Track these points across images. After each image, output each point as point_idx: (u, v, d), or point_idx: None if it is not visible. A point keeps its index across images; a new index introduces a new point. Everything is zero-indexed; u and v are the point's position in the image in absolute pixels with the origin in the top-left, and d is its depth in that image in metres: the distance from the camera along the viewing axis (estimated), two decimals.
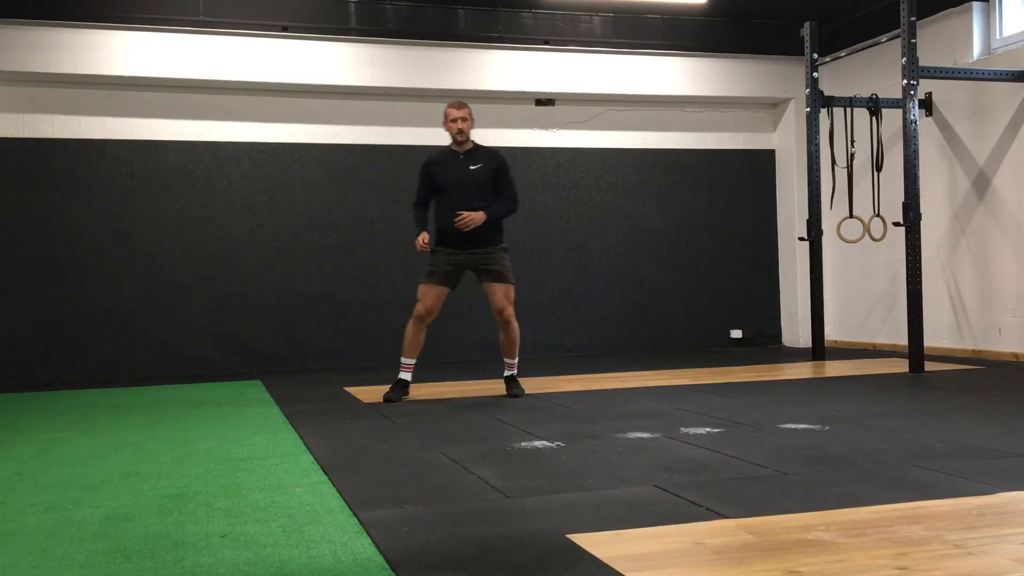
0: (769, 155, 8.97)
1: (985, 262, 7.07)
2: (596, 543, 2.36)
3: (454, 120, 5.35)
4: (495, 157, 5.45)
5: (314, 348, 7.77)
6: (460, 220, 5.20)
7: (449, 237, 5.31)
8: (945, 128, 7.37)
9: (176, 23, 7.23)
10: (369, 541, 2.47)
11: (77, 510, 2.93)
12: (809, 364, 7.13)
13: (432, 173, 5.41)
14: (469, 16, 7.90)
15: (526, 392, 5.51)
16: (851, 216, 7.22)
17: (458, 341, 8.09)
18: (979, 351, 7.08)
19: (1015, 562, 2.13)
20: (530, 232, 8.26)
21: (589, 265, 8.39)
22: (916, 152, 6.32)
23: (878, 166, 7.21)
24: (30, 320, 7.19)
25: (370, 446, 3.94)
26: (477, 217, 5.22)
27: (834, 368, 6.76)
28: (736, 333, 8.74)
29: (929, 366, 6.35)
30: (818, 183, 7.40)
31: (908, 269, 6.35)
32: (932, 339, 7.05)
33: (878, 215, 7.11)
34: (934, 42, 7.30)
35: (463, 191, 5.30)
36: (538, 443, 3.86)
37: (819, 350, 7.41)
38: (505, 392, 5.49)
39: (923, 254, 6.65)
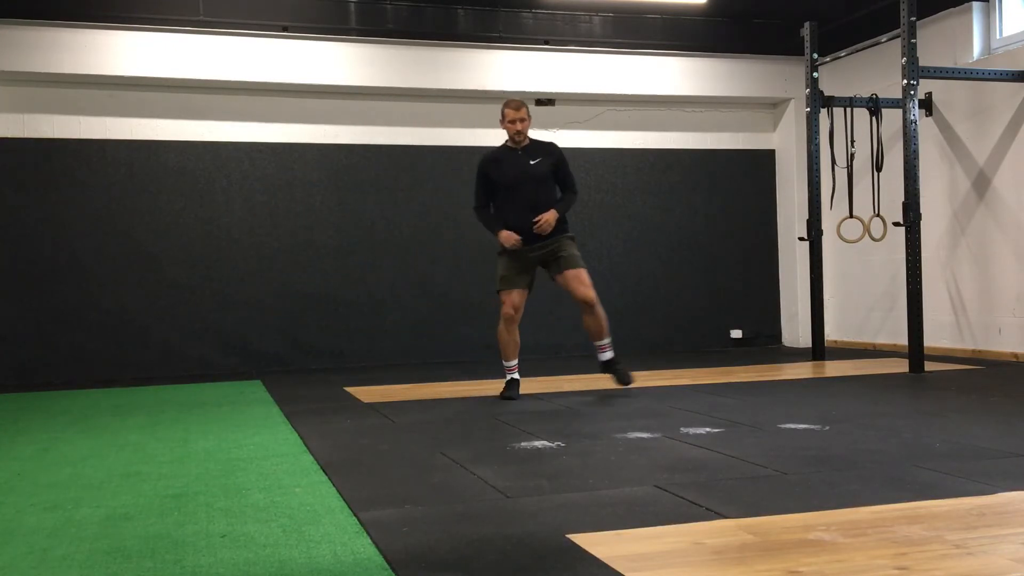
0: (769, 155, 8.97)
1: (985, 262, 7.07)
2: (596, 543, 2.36)
3: (512, 121, 5.30)
4: (553, 150, 5.41)
5: (314, 348, 7.78)
6: (539, 226, 5.19)
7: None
8: (945, 128, 7.37)
9: (176, 23, 7.23)
10: (369, 541, 2.47)
11: (77, 510, 2.93)
12: (809, 364, 7.13)
13: (490, 172, 5.36)
14: (469, 16, 7.90)
15: (522, 394, 5.48)
16: (851, 216, 7.22)
17: (458, 341, 8.09)
18: (979, 351, 7.08)
19: (1015, 562, 2.13)
20: None
21: (589, 265, 8.33)
22: (916, 152, 6.32)
23: (878, 166, 7.21)
24: (30, 320, 7.19)
25: (370, 446, 3.94)
26: (551, 218, 5.21)
27: (834, 368, 6.75)
28: (736, 333, 8.74)
29: (929, 366, 6.35)
30: (818, 183, 7.40)
31: (908, 269, 6.35)
32: (932, 339, 7.05)
33: (878, 215, 7.11)
34: (934, 42, 7.30)
35: (526, 188, 5.28)
36: (538, 443, 3.86)
37: (819, 350, 7.41)
38: (612, 380, 5.36)
39: (923, 254, 6.64)
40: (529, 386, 5.68)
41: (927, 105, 7.40)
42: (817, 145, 7.39)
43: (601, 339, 5.41)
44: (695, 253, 8.72)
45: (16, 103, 7.21)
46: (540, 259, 5.39)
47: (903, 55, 6.29)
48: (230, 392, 6.18)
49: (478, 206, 5.47)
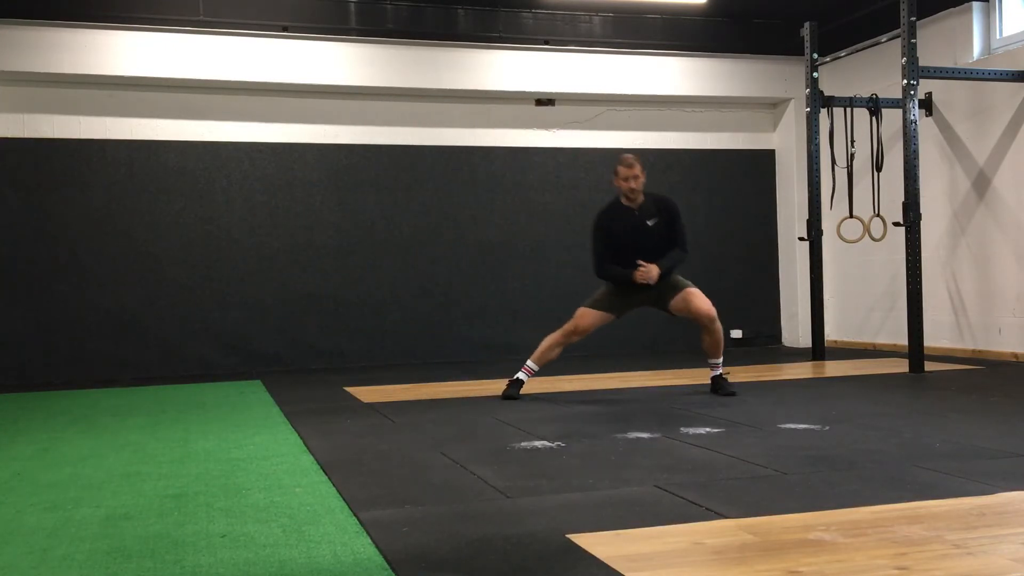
0: (769, 155, 8.97)
1: (985, 262, 7.07)
2: (596, 543, 2.36)
3: (626, 179, 5.23)
4: (667, 206, 5.32)
5: (314, 348, 7.78)
6: (641, 274, 5.11)
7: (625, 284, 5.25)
8: (945, 128, 7.37)
9: (176, 23, 7.23)
10: (369, 541, 2.47)
11: (77, 510, 2.93)
12: (809, 364, 7.13)
13: (610, 230, 5.30)
14: (469, 16, 7.90)
15: (522, 393, 5.48)
16: (851, 216, 7.22)
17: (458, 341, 8.09)
18: (979, 351, 7.08)
19: (1015, 562, 2.13)
20: (530, 232, 8.27)
21: (589, 265, 8.35)
22: (916, 152, 6.32)
23: (878, 166, 7.21)
24: (30, 320, 7.19)
25: (370, 446, 3.93)
26: (654, 273, 5.12)
27: (834, 368, 6.75)
28: (736, 333, 8.73)
29: (929, 366, 6.35)
30: (818, 183, 7.40)
31: (908, 269, 6.35)
32: (932, 339, 7.05)
33: (878, 215, 7.11)
34: (934, 42, 7.30)
35: (643, 248, 5.21)
36: (538, 443, 3.86)
37: (819, 350, 7.41)
38: (717, 392, 5.27)
39: (923, 254, 6.64)
40: (529, 386, 5.67)
41: (927, 105, 7.40)
42: (817, 145, 7.39)
43: (716, 358, 5.31)
44: (695, 253, 8.61)
45: (16, 103, 7.21)
46: (647, 301, 5.32)
47: (903, 55, 6.29)
48: (230, 392, 6.18)
49: (600, 263, 5.34)
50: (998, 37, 7.07)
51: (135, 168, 7.45)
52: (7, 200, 7.18)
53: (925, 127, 7.33)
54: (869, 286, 8.21)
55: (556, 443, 3.84)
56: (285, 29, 7.49)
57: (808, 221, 7.44)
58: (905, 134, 6.32)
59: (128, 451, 4.00)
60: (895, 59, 6.72)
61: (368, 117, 7.98)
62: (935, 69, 6.67)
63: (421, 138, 8.10)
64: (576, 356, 7.96)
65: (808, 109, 7.33)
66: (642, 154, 8.57)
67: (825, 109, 7.31)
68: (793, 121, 8.68)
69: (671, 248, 5.28)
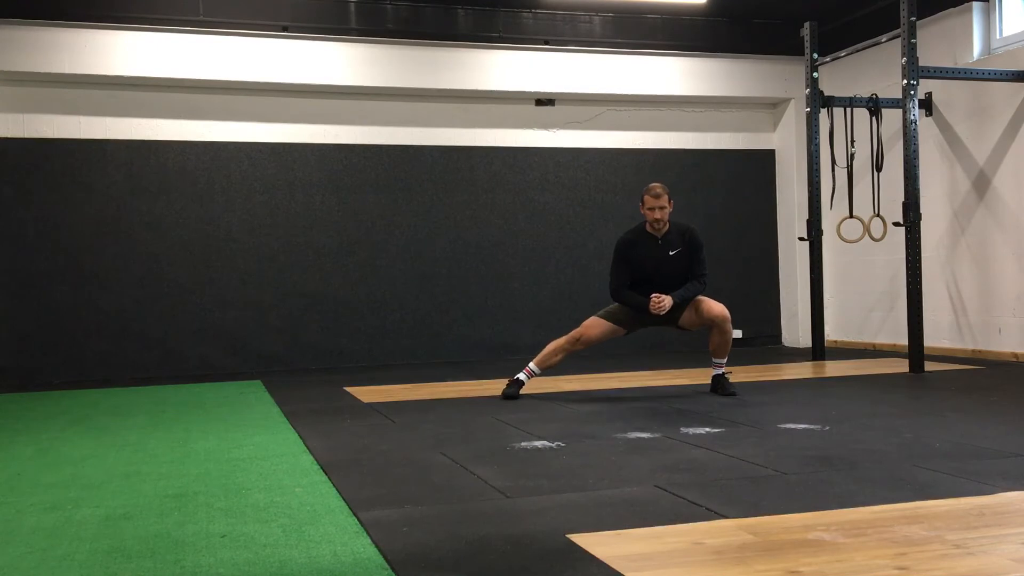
0: (769, 155, 8.98)
1: (985, 262, 7.07)
2: (596, 543, 2.36)
3: (652, 209, 5.20)
4: (691, 238, 5.29)
5: (314, 348, 7.78)
6: (655, 305, 5.10)
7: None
8: (945, 128, 7.37)
9: (176, 23, 7.23)
10: (369, 541, 2.47)
11: (77, 510, 2.93)
12: (809, 364, 7.13)
13: (631, 257, 5.28)
14: (469, 16, 7.90)
15: (522, 394, 5.48)
16: (851, 216, 7.22)
17: (458, 341, 8.09)
18: (979, 351, 7.08)
19: (1015, 562, 2.13)
20: (530, 232, 8.27)
21: (589, 265, 8.39)
22: (916, 152, 6.32)
23: (878, 166, 7.21)
24: (30, 320, 7.19)
25: (370, 446, 3.93)
26: (667, 303, 5.10)
27: (834, 368, 6.75)
28: (736, 333, 8.65)
29: (929, 366, 6.35)
30: (818, 183, 7.40)
31: (908, 269, 6.35)
32: (932, 339, 7.05)
33: (878, 215, 7.11)
34: (934, 42, 7.30)
35: (663, 278, 5.21)
36: (538, 443, 3.86)
37: (819, 350, 7.41)
38: (717, 392, 5.26)
39: (923, 254, 6.65)
40: (529, 386, 5.67)
41: (927, 105, 7.40)
42: (817, 145, 7.39)
43: (722, 358, 5.30)
44: None
45: (16, 103, 7.21)
46: (658, 322, 5.32)
47: (903, 55, 6.29)
48: (230, 392, 6.18)
49: (618, 287, 5.30)
50: (998, 37, 7.07)
51: (135, 168, 7.45)
52: (7, 200, 7.18)
53: (925, 127, 7.33)
54: (869, 286, 8.21)
55: (556, 443, 3.84)
56: (285, 29, 7.50)
57: (808, 221, 7.44)
58: (905, 134, 6.32)
59: (128, 451, 4.00)
60: (895, 59, 6.72)
61: (368, 117, 7.99)
62: (935, 69, 6.67)
63: (421, 138, 8.10)
64: (576, 356, 7.95)
65: (808, 109, 7.33)
66: (642, 154, 8.65)
67: (825, 109, 7.31)
68: (793, 121, 8.68)
69: (689, 277, 5.26)
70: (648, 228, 5.30)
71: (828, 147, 7.31)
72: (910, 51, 6.25)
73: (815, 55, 7.29)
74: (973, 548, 2.23)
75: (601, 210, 8.46)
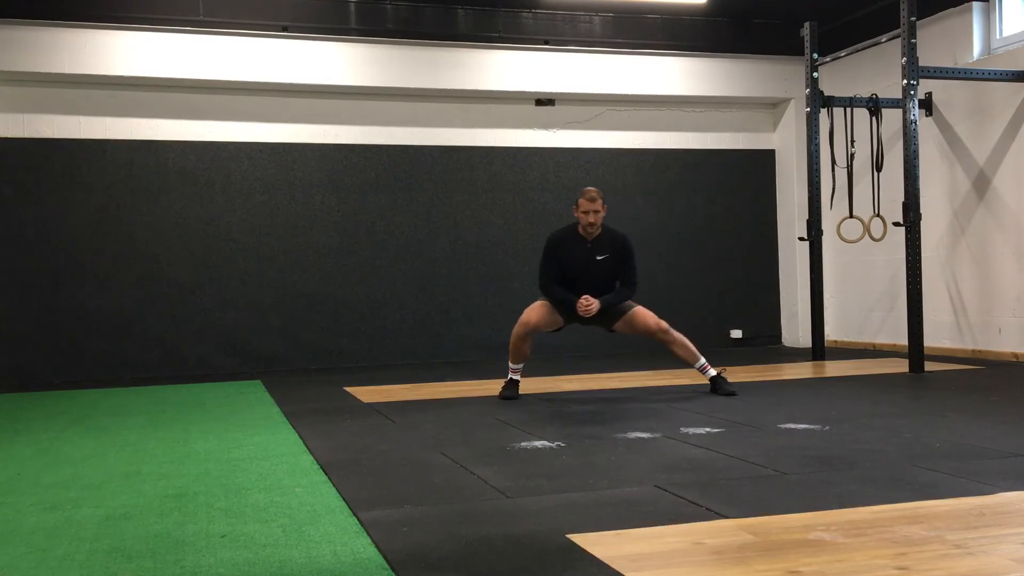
0: (769, 155, 8.98)
1: (985, 262, 7.07)
2: (596, 543, 2.36)
3: (586, 212, 5.23)
4: (621, 245, 5.33)
5: (314, 348, 7.78)
6: (582, 309, 5.14)
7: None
8: (945, 128, 7.37)
9: (176, 23, 7.23)
10: (369, 541, 2.47)
11: (77, 510, 2.93)
12: (809, 364, 7.12)
13: (559, 256, 5.33)
14: (469, 16, 7.90)
15: (521, 394, 5.48)
16: (851, 216, 7.22)
17: (458, 341, 8.09)
18: (979, 351, 7.08)
19: (1015, 562, 2.13)
20: (530, 232, 8.26)
21: None
22: (916, 152, 6.32)
23: (878, 166, 7.21)
24: (30, 320, 7.19)
25: (370, 446, 3.93)
26: (594, 307, 5.14)
27: (834, 368, 6.75)
28: (736, 333, 8.74)
29: (929, 366, 6.35)
30: (818, 183, 7.40)
31: (908, 269, 6.35)
32: (932, 339, 7.05)
33: (878, 215, 7.11)
34: (934, 42, 7.30)
35: (588, 280, 5.26)
36: (538, 443, 3.86)
37: (819, 350, 7.41)
38: (717, 391, 5.25)
39: (923, 254, 6.65)
40: (529, 386, 5.68)
41: (927, 105, 7.40)
42: (817, 145, 7.39)
43: (697, 362, 5.33)
44: (695, 253, 8.72)
45: (16, 103, 7.21)
46: (591, 322, 5.35)
47: (903, 55, 6.29)
48: (230, 392, 6.18)
49: (546, 283, 5.35)
50: (998, 37, 7.07)
51: (135, 168, 7.45)
52: (7, 200, 7.18)
53: (925, 127, 7.33)
54: (869, 286, 8.21)
55: (556, 443, 3.84)
56: (285, 29, 7.50)
57: (808, 221, 7.44)
58: (905, 134, 6.32)
59: (128, 451, 4.00)
60: (895, 59, 6.72)
61: (368, 117, 7.99)
62: (935, 69, 6.67)
63: (421, 138, 8.10)
64: (576, 356, 7.97)
65: (808, 109, 7.33)
66: (642, 154, 8.65)
67: (825, 109, 7.31)
68: (793, 121, 8.68)
69: (617, 282, 5.31)
70: (580, 230, 5.32)
71: (828, 147, 7.31)
72: (910, 51, 6.25)
73: (815, 55, 7.29)
74: (973, 548, 2.23)
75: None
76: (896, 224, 6.52)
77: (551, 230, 8.48)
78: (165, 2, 7.23)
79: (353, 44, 7.69)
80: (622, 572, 2.13)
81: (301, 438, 4.17)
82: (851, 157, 7.23)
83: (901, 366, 6.49)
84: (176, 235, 7.53)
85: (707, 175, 8.75)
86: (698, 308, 8.64)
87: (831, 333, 8.50)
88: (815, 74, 7.29)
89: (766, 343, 8.84)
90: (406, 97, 8.03)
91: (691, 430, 4.08)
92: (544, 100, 8.34)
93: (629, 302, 5.36)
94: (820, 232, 7.42)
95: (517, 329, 5.35)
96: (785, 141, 8.86)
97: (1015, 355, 6.79)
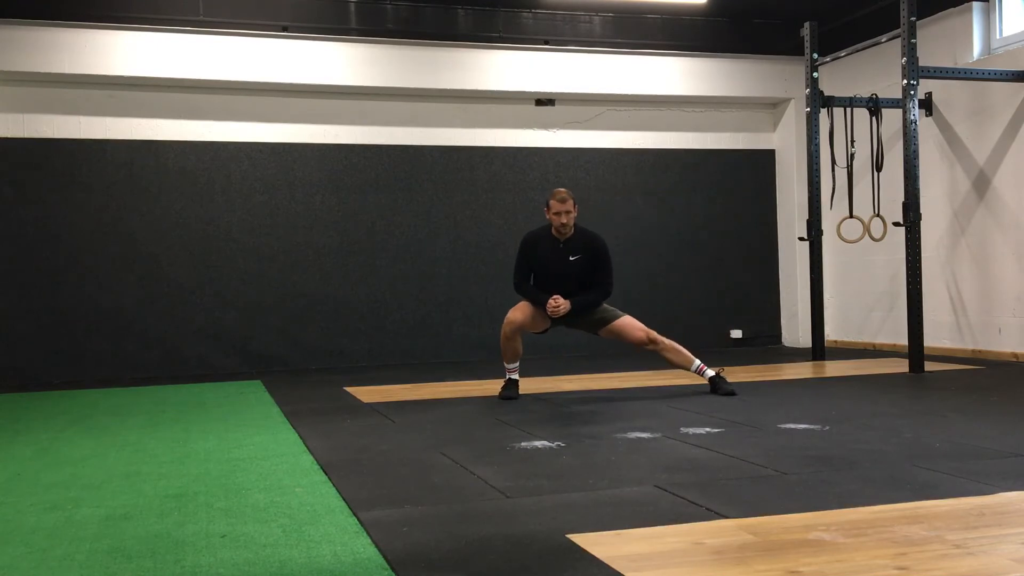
0: (769, 155, 8.98)
1: (985, 262, 7.07)
2: (596, 543, 2.36)
3: (558, 213, 5.21)
4: (594, 245, 5.32)
5: (314, 348, 7.78)
6: (550, 309, 5.15)
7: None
8: (945, 128, 7.37)
9: (176, 23, 7.23)
10: (369, 541, 2.47)
11: (77, 510, 2.93)
12: (809, 364, 7.12)
13: (530, 255, 5.34)
14: (469, 16, 7.90)
15: (521, 394, 5.48)
16: (851, 216, 7.22)
17: (458, 341, 8.09)
18: (979, 351, 7.08)
19: (1015, 562, 2.13)
20: None
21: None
22: (916, 152, 6.32)
23: (878, 166, 7.21)
24: (30, 320, 7.19)
25: (370, 446, 3.93)
26: (563, 307, 5.14)
27: (834, 368, 6.75)
28: (736, 333, 8.74)
29: (929, 366, 6.35)
30: (818, 183, 7.40)
31: (908, 269, 6.35)
32: (932, 339, 7.05)
33: (878, 215, 7.11)
34: (934, 42, 7.30)
35: (559, 281, 5.26)
36: (538, 443, 3.86)
37: (819, 350, 7.41)
38: (717, 392, 5.24)
39: (923, 254, 6.65)
40: (529, 386, 5.68)
41: (927, 105, 7.40)
42: (817, 145, 7.39)
43: (692, 365, 5.33)
44: (695, 253, 8.72)
45: (16, 103, 7.21)
46: (570, 325, 5.36)
47: (903, 55, 6.29)
48: (230, 392, 6.18)
49: (519, 282, 5.38)
50: (998, 37, 7.07)
51: (135, 168, 7.45)
52: (7, 200, 7.18)
53: (925, 127, 7.33)
54: (869, 286, 8.21)
55: (556, 443, 3.84)
56: (285, 29, 7.50)
57: (808, 221, 7.44)
58: (905, 134, 6.32)
59: (128, 451, 4.00)
60: (895, 59, 6.72)
61: (368, 117, 7.99)
62: (935, 69, 6.67)
63: (421, 138, 8.10)
64: (576, 356, 7.97)
65: (808, 109, 7.33)
66: (642, 154, 8.65)
67: (825, 109, 7.31)
68: (793, 121, 8.68)
69: (592, 283, 5.29)
70: (553, 231, 5.32)
71: (828, 147, 7.31)
72: (910, 51, 6.25)
73: (815, 55, 7.29)
74: (973, 548, 2.23)
75: (601, 210, 8.44)
76: (896, 224, 6.52)
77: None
78: (165, 2, 7.23)
79: (353, 44, 7.69)
80: (622, 572, 2.13)
81: (301, 438, 4.17)
82: (851, 157, 7.23)
83: (901, 366, 6.49)
84: (176, 235, 7.53)
85: (707, 175, 8.75)
86: (698, 308, 8.64)
87: (831, 333, 8.51)
88: (815, 74, 7.29)
89: (766, 343, 8.84)
90: (406, 97, 8.03)
91: (691, 430, 4.08)
92: (544, 100, 8.34)
93: (616, 311, 5.36)
94: (820, 232, 7.42)
95: (504, 328, 5.35)
96: (785, 141, 8.86)
97: (1015, 355, 6.79)
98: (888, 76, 7.51)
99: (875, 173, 7.21)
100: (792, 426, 4.13)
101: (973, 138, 7.13)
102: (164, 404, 5.61)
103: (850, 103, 7.33)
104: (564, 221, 5.24)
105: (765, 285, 8.91)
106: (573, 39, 8.14)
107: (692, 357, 5.36)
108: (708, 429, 4.10)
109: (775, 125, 8.99)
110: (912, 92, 6.26)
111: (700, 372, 5.35)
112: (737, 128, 8.90)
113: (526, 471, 3.30)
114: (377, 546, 2.41)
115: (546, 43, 8.07)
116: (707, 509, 2.68)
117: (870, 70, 7.92)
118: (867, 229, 7.17)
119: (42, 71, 7.01)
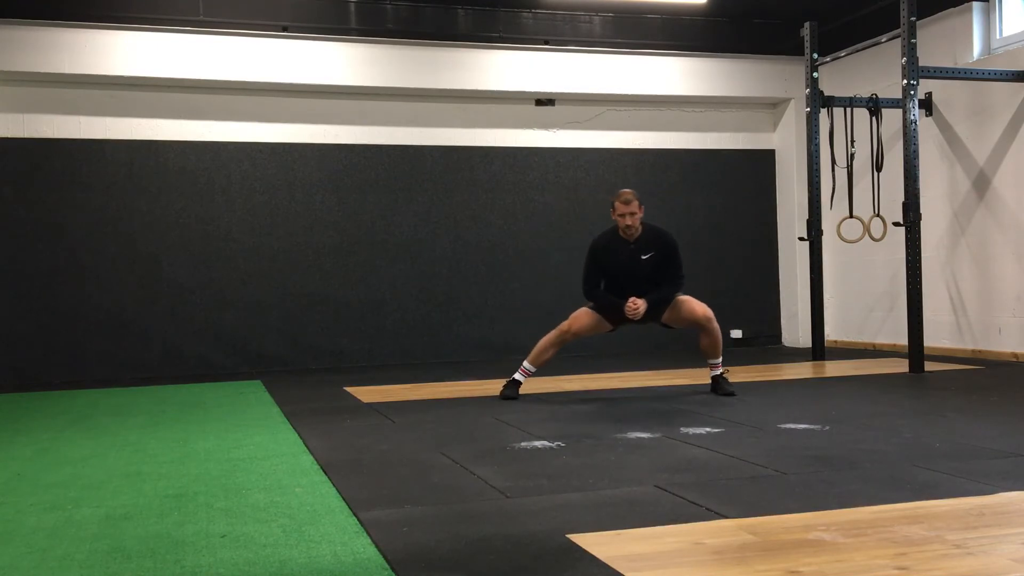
0: (769, 155, 8.97)
1: (985, 262, 7.07)
2: (596, 543, 2.36)
3: (623, 215, 5.22)
4: (664, 242, 5.31)
5: (314, 348, 7.78)
6: (629, 311, 5.13)
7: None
8: (945, 128, 7.37)
9: (176, 23, 7.23)
10: (369, 541, 2.47)
11: (77, 510, 2.93)
12: (809, 364, 7.12)
13: (601, 260, 5.32)
14: (469, 16, 7.90)
15: (521, 394, 5.48)
16: (851, 216, 7.22)
17: (458, 341, 8.09)
18: (979, 351, 7.08)
19: (1015, 562, 2.13)
20: (530, 232, 8.27)
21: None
22: (916, 152, 6.32)
23: (878, 166, 7.21)
24: (30, 320, 7.19)
25: (370, 446, 3.93)
26: (641, 308, 5.13)
27: (834, 368, 6.75)
28: (736, 333, 8.73)
29: (929, 366, 6.35)
30: (818, 183, 7.40)
31: (908, 269, 6.35)
32: (932, 339, 7.05)
33: (878, 215, 7.11)
34: (934, 42, 7.30)
35: (634, 281, 5.24)
36: (538, 443, 3.86)
37: (819, 350, 7.41)
38: (716, 392, 5.27)
39: (923, 254, 6.64)
40: (529, 386, 5.67)
41: (927, 105, 7.40)
42: (817, 145, 7.39)
43: (715, 358, 5.33)
44: (695, 253, 8.67)
45: (16, 103, 7.21)
46: (642, 320, 5.32)
47: (903, 55, 6.29)
48: (230, 392, 6.18)
49: (590, 289, 5.35)
50: (998, 37, 7.07)
51: (135, 168, 7.45)
52: (7, 200, 7.18)
53: (925, 127, 7.33)
54: (869, 286, 8.21)
55: (556, 443, 3.84)
56: (285, 29, 7.50)
57: (808, 221, 7.44)
58: (905, 134, 6.32)
59: (128, 451, 4.00)
60: (895, 59, 6.72)
61: (368, 117, 7.99)
62: (935, 69, 6.67)
63: (421, 138, 8.10)
64: (576, 356, 7.96)
65: (808, 109, 7.33)
66: (642, 154, 8.64)
67: (825, 109, 7.31)
68: (793, 121, 8.68)
69: (663, 280, 5.29)
70: (620, 233, 5.31)
71: (828, 147, 7.31)
72: (910, 51, 6.25)
73: (815, 55, 7.29)
74: (973, 548, 2.23)
75: (601, 210, 8.39)
76: (896, 224, 6.51)
77: (555, 231, 8.50)
78: (165, 2, 7.23)
79: (353, 44, 7.69)
80: (622, 572, 2.13)
81: (301, 438, 4.17)
82: (851, 157, 7.23)
83: (901, 366, 6.49)
84: (176, 235, 7.53)
85: (707, 175, 8.75)
86: None
87: (831, 333, 8.50)
88: (815, 74, 7.28)
89: (766, 343, 8.84)
90: (406, 97, 8.03)
91: (691, 430, 4.08)
92: (544, 100, 8.34)
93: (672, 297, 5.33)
94: (820, 232, 7.42)
95: (553, 334, 5.34)
96: (785, 141, 8.86)
97: (1015, 355, 6.79)
98: (888, 76, 7.51)
99: (875, 173, 7.21)
100: (792, 426, 4.13)
101: (973, 138, 7.13)
102: (164, 404, 5.61)
103: (850, 103, 7.33)
104: (630, 223, 5.24)
105: (765, 285, 8.91)
106: (573, 39, 8.14)
107: (720, 354, 5.36)
108: (708, 429, 4.10)
109: (775, 125, 8.99)
110: (912, 92, 6.26)
111: (712, 367, 5.36)
112: (737, 128, 8.90)
113: (526, 471, 3.30)
114: (377, 546, 2.41)
115: (546, 43, 8.07)
116: (707, 509, 2.68)
117: (870, 70, 7.92)
118: (867, 229, 7.17)
119: (42, 71, 7.01)
